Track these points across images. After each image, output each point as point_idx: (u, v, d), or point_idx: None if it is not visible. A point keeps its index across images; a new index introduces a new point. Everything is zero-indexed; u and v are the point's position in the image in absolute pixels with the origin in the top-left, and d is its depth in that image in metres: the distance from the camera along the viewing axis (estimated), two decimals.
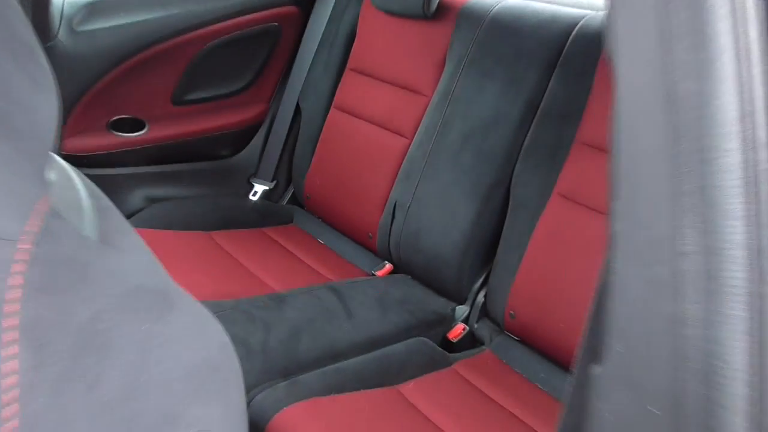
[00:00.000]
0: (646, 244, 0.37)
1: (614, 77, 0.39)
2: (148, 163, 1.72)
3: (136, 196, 1.70)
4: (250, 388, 1.04)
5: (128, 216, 1.59)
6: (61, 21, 1.48)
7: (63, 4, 1.49)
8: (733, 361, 0.34)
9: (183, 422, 0.29)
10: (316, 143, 1.75)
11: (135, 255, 0.35)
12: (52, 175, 0.38)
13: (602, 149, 1.20)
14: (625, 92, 0.38)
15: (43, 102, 0.30)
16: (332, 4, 1.75)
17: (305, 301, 1.28)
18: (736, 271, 0.34)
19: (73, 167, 0.44)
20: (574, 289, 1.19)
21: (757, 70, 0.35)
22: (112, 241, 0.36)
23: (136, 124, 1.68)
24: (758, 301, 0.34)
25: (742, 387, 0.34)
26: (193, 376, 0.30)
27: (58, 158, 0.42)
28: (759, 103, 0.35)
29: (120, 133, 1.66)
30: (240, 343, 1.11)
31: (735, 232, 0.34)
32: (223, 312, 1.19)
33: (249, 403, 1.03)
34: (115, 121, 1.65)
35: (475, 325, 1.37)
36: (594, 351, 0.39)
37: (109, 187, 1.67)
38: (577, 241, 1.20)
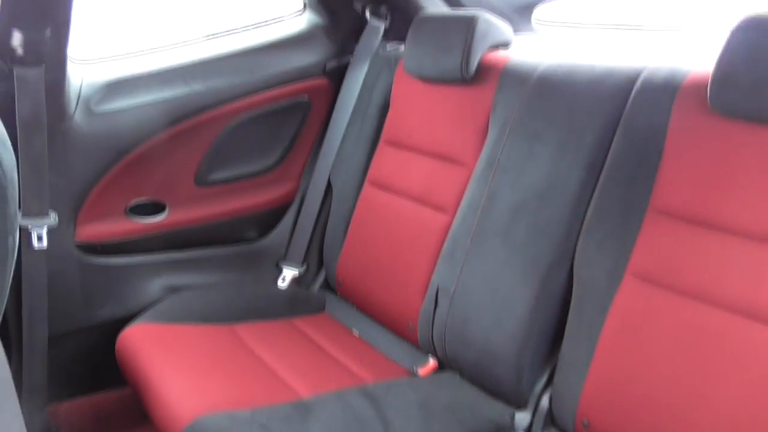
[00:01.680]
0: None
1: None
2: (168, 249, 1.59)
3: (155, 286, 1.56)
4: None
5: (144, 307, 1.45)
6: (78, 102, 1.40)
7: (81, 85, 1.41)
8: None
9: None
10: (349, 222, 1.60)
11: None
12: None
13: (684, 218, 0.99)
14: None
15: None
16: (364, 74, 1.64)
17: (334, 411, 1.07)
18: None
19: None
20: (661, 391, 0.96)
21: None
22: None
23: (156, 207, 1.56)
24: None
25: None
26: None
27: None
28: None
29: (139, 218, 1.54)
30: None
31: None
32: (235, 426, 1.00)
33: None
34: (134, 205, 1.53)
35: None
36: None
37: (125, 276, 1.54)
38: (661, 332, 0.98)
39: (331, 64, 1.67)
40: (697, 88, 1.02)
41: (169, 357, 1.23)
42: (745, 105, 0.94)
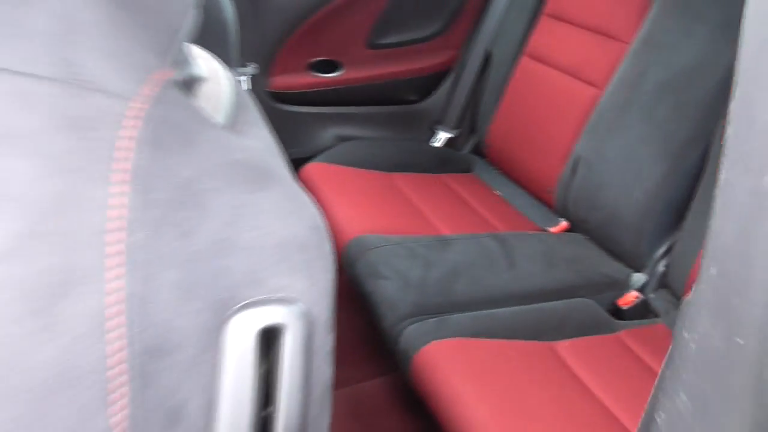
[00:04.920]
0: (757, 150, 0.31)
1: None
2: (340, 104, 1.82)
3: (328, 134, 1.82)
4: (403, 319, 1.08)
5: (319, 152, 1.72)
6: None
7: None
8: None
9: (266, 288, 0.32)
10: (503, 92, 1.71)
11: (251, 140, 0.37)
12: (203, 68, 0.42)
13: None
14: None
15: None
16: None
17: (469, 246, 1.28)
18: None
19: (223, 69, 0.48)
20: None
21: None
22: (238, 127, 0.39)
23: (332, 65, 1.79)
24: None
25: None
26: (280, 249, 0.33)
27: (211, 57, 0.47)
28: None
29: (318, 74, 1.78)
30: (399, 276, 1.15)
31: None
32: (388, 245, 1.24)
33: (400, 333, 1.07)
34: (314, 62, 1.77)
35: (651, 295, 1.25)
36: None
37: (305, 123, 1.82)
38: None
39: None
40: None
41: (338, 190, 1.49)
42: None
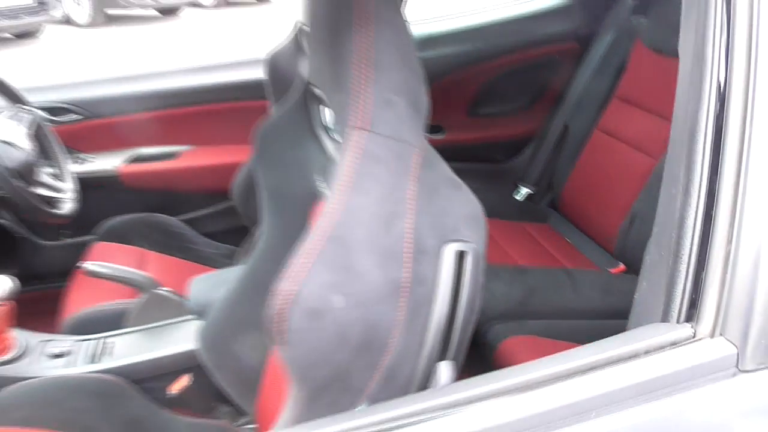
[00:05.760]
0: (670, 175, 0.68)
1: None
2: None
3: None
4: (490, 319, 1.44)
5: None
6: None
7: None
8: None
9: (460, 234, 0.71)
10: (577, 158, 2.07)
11: (447, 172, 0.77)
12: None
13: None
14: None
15: (422, 95, 0.74)
16: (608, 42, 2.05)
17: (542, 275, 1.63)
18: (694, 177, 0.64)
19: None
20: None
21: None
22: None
23: (436, 128, 2.21)
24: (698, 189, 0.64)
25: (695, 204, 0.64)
26: (466, 217, 0.72)
27: None
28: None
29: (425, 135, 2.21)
30: (487, 290, 1.51)
31: (697, 169, 0.64)
32: None
33: (488, 330, 1.43)
34: None
35: None
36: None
37: None
38: None
39: (582, 32, 2.11)
40: None
41: None
42: None
